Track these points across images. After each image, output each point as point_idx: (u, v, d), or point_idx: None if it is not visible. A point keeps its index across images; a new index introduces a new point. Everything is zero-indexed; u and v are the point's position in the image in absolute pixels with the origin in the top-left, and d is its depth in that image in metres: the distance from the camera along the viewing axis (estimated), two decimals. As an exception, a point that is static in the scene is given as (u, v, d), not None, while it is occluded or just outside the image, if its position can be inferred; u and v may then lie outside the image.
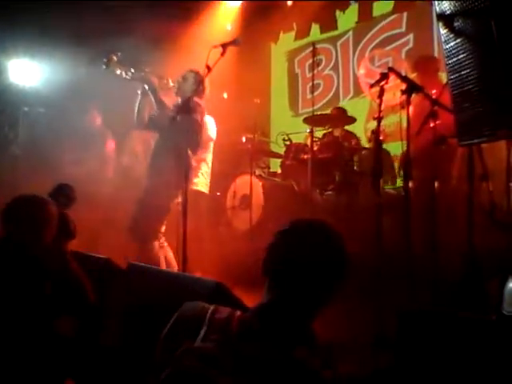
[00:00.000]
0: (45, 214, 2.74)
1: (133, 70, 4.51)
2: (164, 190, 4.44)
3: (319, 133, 6.24)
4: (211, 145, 5.43)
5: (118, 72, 4.48)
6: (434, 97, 3.92)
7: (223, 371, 1.35)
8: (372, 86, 3.90)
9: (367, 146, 6.20)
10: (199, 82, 4.50)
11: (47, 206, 2.77)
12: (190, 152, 4.51)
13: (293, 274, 1.48)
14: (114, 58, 4.44)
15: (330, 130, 6.36)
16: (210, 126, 5.41)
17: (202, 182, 5.38)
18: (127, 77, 4.51)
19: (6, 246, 2.65)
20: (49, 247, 2.72)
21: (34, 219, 2.70)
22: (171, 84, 4.69)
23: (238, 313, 1.51)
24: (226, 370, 1.35)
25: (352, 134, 6.38)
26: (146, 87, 4.54)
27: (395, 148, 5.48)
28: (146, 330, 1.68)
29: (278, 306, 1.48)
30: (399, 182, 5.70)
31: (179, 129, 4.17)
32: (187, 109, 4.32)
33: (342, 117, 6.33)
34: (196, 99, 4.60)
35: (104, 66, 4.41)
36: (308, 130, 5.85)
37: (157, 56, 6.57)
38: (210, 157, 5.43)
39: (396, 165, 5.78)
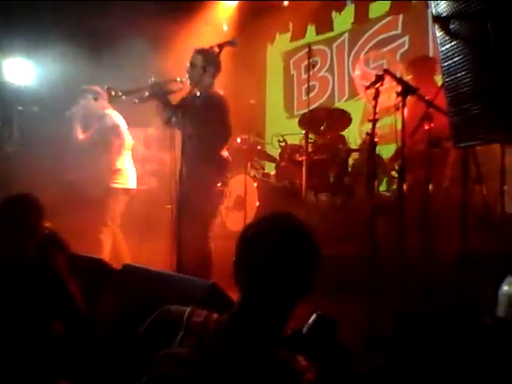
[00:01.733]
0: (31, 212, 2.74)
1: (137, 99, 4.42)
2: (206, 193, 4.26)
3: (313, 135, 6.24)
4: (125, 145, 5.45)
5: (124, 98, 4.44)
6: (428, 98, 3.92)
7: (201, 376, 1.34)
8: (367, 87, 3.90)
9: (362, 148, 6.20)
10: (210, 63, 4.24)
11: (34, 204, 2.76)
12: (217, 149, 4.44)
13: (260, 278, 1.46)
14: (113, 93, 4.40)
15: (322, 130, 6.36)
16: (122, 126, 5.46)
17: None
18: (136, 100, 4.42)
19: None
20: (39, 248, 2.71)
21: (22, 219, 2.70)
22: (183, 79, 4.39)
23: (215, 316, 1.50)
24: (204, 375, 1.34)
25: (341, 137, 6.35)
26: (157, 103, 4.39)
27: (389, 150, 5.49)
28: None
29: (250, 311, 1.46)
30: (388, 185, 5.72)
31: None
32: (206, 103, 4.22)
33: (338, 118, 6.32)
34: (212, 90, 4.48)
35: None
36: (303, 132, 5.84)
37: (153, 56, 6.58)
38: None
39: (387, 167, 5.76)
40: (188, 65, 4.43)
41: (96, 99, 5.38)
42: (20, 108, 6.45)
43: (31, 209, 2.74)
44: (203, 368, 1.35)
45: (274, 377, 1.34)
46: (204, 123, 4.19)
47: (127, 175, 5.45)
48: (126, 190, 5.43)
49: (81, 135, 5.40)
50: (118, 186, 5.36)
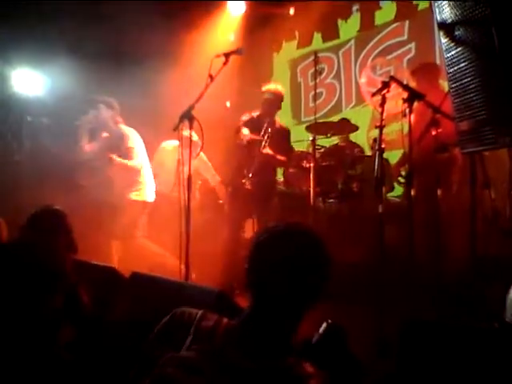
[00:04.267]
0: (66, 226, 2.82)
1: None
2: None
3: (321, 141, 6.25)
4: (134, 152, 5.49)
5: None
6: (435, 104, 3.92)
7: (207, 380, 1.35)
8: (373, 94, 3.92)
9: (369, 154, 6.21)
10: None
11: (65, 218, 2.85)
12: None
13: (272, 284, 1.48)
14: None
15: (336, 142, 6.41)
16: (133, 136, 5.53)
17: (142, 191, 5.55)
18: None
19: (21, 251, 2.69)
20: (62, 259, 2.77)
21: (57, 230, 2.78)
22: None
23: (225, 321, 1.51)
24: (210, 379, 1.36)
25: (355, 144, 6.41)
26: None
27: (397, 156, 5.49)
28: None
29: (261, 316, 1.48)
30: (398, 190, 5.71)
31: None
32: None
33: (345, 125, 6.34)
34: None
35: None
36: (310, 138, 5.86)
37: (160, 66, 6.61)
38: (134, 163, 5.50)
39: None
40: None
41: (108, 110, 5.45)
42: (29, 119, 6.50)
43: (60, 221, 2.83)
44: (208, 372, 1.36)
45: (279, 382, 1.35)
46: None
47: (145, 188, 5.52)
48: (144, 203, 5.51)
49: (87, 146, 5.45)
50: (136, 199, 5.45)
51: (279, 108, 5.69)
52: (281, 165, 5.89)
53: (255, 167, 5.26)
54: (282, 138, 5.59)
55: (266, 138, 5.32)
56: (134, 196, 5.46)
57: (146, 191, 5.56)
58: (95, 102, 5.49)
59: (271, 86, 5.74)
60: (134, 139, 5.48)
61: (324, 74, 8.09)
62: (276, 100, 5.63)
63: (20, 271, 2.62)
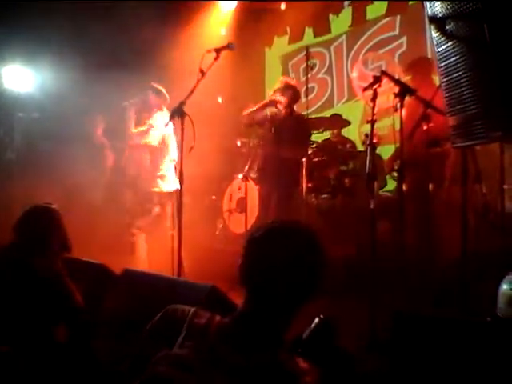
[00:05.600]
0: (59, 224, 2.81)
1: None
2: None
3: (313, 136, 6.26)
4: (151, 131, 5.47)
5: None
6: (426, 98, 3.92)
7: (200, 377, 1.35)
8: (365, 89, 3.91)
9: (361, 149, 6.22)
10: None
11: (58, 216, 2.83)
12: None
13: (267, 280, 1.47)
14: None
15: (328, 137, 6.42)
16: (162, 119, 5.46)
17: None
18: None
19: (14, 254, 2.69)
20: (52, 257, 2.76)
21: (50, 229, 2.76)
22: None
23: (218, 318, 1.50)
24: (203, 376, 1.35)
25: (347, 139, 6.43)
26: None
27: (389, 151, 5.49)
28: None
29: (255, 313, 1.47)
30: (391, 185, 5.73)
31: None
32: None
33: (337, 120, 6.35)
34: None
35: None
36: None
37: (152, 61, 6.59)
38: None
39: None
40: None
41: (154, 96, 5.48)
42: (20, 115, 6.48)
43: (53, 219, 2.81)
44: (201, 369, 1.36)
45: (272, 378, 1.35)
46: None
47: (168, 179, 5.52)
48: (168, 193, 5.49)
49: (133, 129, 5.45)
50: (160, 190, 5.46)
51: (293, 100, 5.55)
52: (291, 161, 5.47)
53: (261, 163, 5.34)
54: (295, 130, 5.38)
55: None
56: (157, 188, 5.46)
57: (170, 180, 5.51)
58: (144, 88, 5.51)
59: (280, 79, 5.72)
60: (160, 121, 5.43)
61: (316, 69, 8.11)
62: (285, 92, 5.50)
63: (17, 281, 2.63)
